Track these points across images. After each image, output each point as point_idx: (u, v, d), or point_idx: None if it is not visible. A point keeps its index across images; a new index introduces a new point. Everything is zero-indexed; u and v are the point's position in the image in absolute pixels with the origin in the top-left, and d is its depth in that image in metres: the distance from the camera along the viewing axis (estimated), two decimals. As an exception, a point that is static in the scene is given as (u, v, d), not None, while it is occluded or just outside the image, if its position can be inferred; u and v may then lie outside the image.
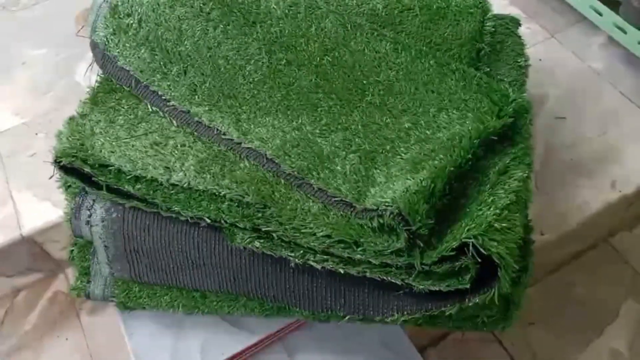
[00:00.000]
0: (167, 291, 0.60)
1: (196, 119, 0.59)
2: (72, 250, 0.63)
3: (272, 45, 0.61)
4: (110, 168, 0.54)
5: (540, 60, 0.85)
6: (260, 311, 0.59)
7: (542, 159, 0.76)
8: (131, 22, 0.63)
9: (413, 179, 0.50)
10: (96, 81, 0.63)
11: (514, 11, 0.93)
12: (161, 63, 0.61)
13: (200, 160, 0.55)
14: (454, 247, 0.45)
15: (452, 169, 0.50)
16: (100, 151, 0.55)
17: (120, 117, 0.59)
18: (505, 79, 0.65)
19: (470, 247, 0.45)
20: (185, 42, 0.63)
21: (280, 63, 0.61)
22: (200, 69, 0.61)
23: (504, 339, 0.82)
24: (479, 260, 0.45)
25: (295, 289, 0.55)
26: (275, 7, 0.64)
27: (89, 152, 0.55)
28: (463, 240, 0.45)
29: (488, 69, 0.65)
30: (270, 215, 0.52)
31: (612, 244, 0.90)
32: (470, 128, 0.54)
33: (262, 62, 0.61)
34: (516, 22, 0.72)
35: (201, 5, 0.64)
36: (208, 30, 0.63)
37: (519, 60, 0.66)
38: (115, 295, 0.61)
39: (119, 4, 0.64)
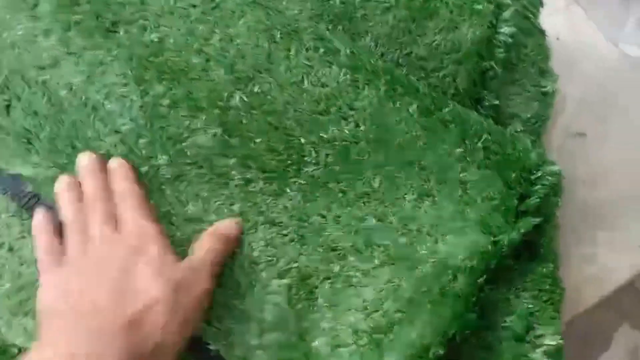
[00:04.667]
0: None
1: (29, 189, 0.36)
2: None
3: (145, 67, 0.36)
4: None
5: (558, 39, 0.61)
6: None
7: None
8: None
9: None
10: None
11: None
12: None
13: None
14: None
15: (440, 340, 0.30)
16: None
17: None
18: (522, 114, 0.43)
19: None
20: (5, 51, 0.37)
21: (160, 102, 0.36)
22: (32, 104, 0.36)
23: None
24: None
25: None
26: (153, -7, 0.38)
27: None
28: None
29: (496, 102, 0.42)
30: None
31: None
32: (472, 248, 0.32)
33: (131, 99, 0.36)
34: (536, 5, 0.47)
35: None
36: (37, 36, 0.37)
37: (543, 84, 0.43)
38: None
39: None
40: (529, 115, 0.43)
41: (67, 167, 0.36)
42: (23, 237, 0.37)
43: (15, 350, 0.36)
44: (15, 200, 0.37)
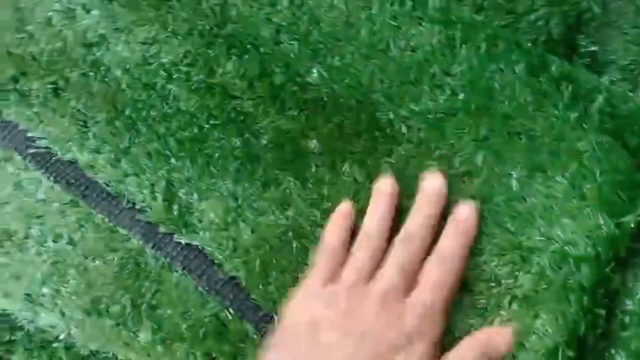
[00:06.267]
0: None
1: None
2: None
3: (209, 43, 0.31)
4: None
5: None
6: None
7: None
8: None
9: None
10: None
11: None
12: None
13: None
14: None
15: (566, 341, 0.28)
16: None
17: None
18: (620, 61, 0.38)
19: None
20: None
21: (232, 81, 0.31)
22: (85, 84, 0.32)
23: None
24: None
25: None
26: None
27: None
28: None
29: (594, 48, 0.37)
30: None
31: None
32: (596, 233, 0.29)
33: (197, 80, 0.31)
34: None
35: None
36: (74, 10, 0.31)
37: (643, 23, 0.38)
38: None
39: None
40: (627, 62, 0.38)
41: (129, 151, 0.32)
42: (81, 226, 0.33)
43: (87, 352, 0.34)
44: (71, 189, 0.34)
